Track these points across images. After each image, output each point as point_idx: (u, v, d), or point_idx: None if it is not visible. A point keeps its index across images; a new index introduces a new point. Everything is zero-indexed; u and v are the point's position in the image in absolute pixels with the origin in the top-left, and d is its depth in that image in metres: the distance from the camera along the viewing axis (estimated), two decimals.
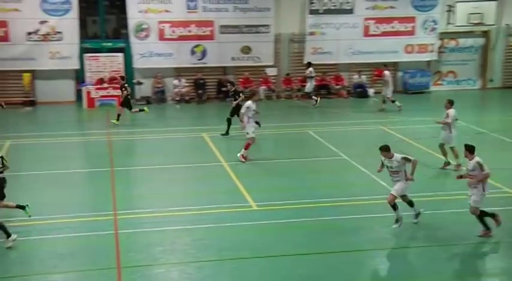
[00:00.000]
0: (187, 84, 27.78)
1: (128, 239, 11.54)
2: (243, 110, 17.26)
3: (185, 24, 27.59)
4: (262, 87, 28.48)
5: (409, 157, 11.89)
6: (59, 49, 26.57)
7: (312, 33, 28.76)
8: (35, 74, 26.87)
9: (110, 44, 28.09)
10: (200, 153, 18.31)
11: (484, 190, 11.29)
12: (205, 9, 27.58)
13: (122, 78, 23.55)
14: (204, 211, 13.25)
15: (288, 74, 29.02)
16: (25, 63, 26.35)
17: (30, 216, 12.08)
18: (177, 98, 27.64)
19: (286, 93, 29.11)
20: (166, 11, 27.29)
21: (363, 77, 29.56)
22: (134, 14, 27.06)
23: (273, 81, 29.02)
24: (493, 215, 11.60)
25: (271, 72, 28.88)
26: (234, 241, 11.55)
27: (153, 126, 22.70)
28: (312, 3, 28.45)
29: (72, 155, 18.83)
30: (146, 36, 27.33)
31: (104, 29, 28.35)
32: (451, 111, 15.78)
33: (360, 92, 29.17)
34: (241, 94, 20.73)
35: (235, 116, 19.46)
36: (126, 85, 22.79)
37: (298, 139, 20.81)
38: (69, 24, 26.50)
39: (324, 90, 29.09)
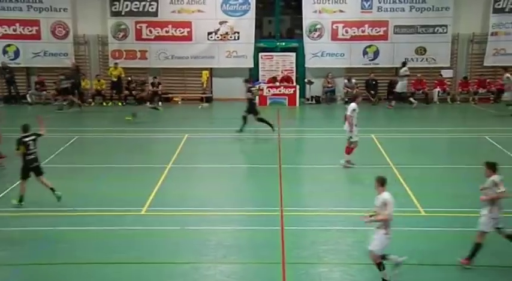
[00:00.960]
0: (357, 86, 27.50)
1: (294, 236, 11.66)
2: (349, 113, 16.29)
3: (359, 24, 27.36)
4: (436, 90, 27.38)
5: None
6: (235, 48, 27.69)
7: (494, 34, 27.06)
8: (212, 72, 28.26)
9: (283, 43, 28.70)
10: (368, 154, 18.02)
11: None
12: (380, 9, 27.13)
13: (247, 81, 22.00)
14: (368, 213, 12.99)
15: (465, 78, 27.58)
16: (204, 62, 27.84)
17: (59, 200, 13.11)
18: (346, 99, 27.51)
19: (462, 96, 27.69)
20: (341, 11, 27.27)
21: None
22: (309, 14, 27.38)
23: (448, 83, 27.75)
24: None
25: (446, 74, 27.66)
26: (398, 246, 11.18)
27: (321, 126, 22.78)
28: (497, 1, 26.76)
29: (242, 150, 19.49)
30: (319, 36, 27.52)
31: (278, 29, 29.02)
32: None
33: None
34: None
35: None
36: (252, 88, 21.60)
37: (473, 144, 19.73)
38: (246, 24, 27.50)
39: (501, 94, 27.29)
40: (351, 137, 16.48)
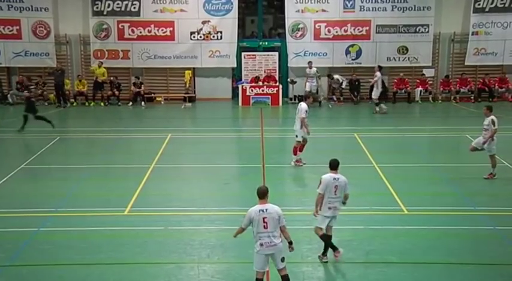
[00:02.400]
0: (344, 85, 27.62)
1: None
2: (304, 115, 16.23)
3: (341, 23, 27.47)
4: (419, 89, 27.59)
5: None
6: (218, 48, 27.65)
7: (475, 33, 27.33)
8: (195, 72, 28.20)
9: (266, 43, 28.73)
10: (351, 153, 18.10)
11: None
12: (362, 8, 27.25)
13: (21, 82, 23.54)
14: (352, 212, 13.04)
15: (447, 76, 27.82)
16: (187, 61, 27.76)
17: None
18: (335, 98, 27.70)
19: (444, 95, 27.92)
20: (323, 10, 27.34)
21: None
22: (291, 13, 27.43)
23: (430, 82, 27.97)
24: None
25: (428, 73, 27.86)
26: (382, 244, 11.28)
27: None
28: (477, 1, 27.02)
29: (225, 150, 19.47)
30: (302, 35, 27.58)
31: (261, 29, 29.03)
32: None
33: None
34: None
35: None
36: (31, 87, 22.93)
37: (454, 143, 19.91)
38: (229, 24, 27.47)
39: (485, 93, 27.61)
40: (296, 136, 16.55)
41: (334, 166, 10.52)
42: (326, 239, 10.49)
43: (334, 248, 10.55)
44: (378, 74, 24.59)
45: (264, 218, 8.86)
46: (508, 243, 11.33)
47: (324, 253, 10.55)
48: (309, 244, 11.28)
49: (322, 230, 10.46)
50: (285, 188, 15.41)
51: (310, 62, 26.63)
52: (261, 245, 8.94)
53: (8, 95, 27.30)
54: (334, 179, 10.33)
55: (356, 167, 16.25)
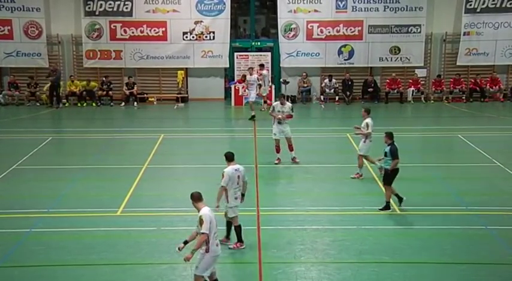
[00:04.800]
0: (337, 86, 27.68)
1: (270, 236, 11.69)
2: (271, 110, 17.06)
3: (334, 24, 27.49)
4: (411, 89, 27.67)
5: None
6: (211, 48, 27.62)
7: (467, 33, 27.45)
8: (188, 72, 28.17)
9: (258, 43, 28.73)
10: (344, 153, 18.14)
11: None
12: (354, 8, 27.28)
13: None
14: (345, 212, 13.11)
15: (439, 76, 27.92)
16: (180, 62, 27.70)
17: None
18: (323, 98, 27.71)
19: (436, 95, 28.01)
20: (316, 10, 27.36)
21: None
22: (284, 13, 27.43)
23: (422, 82, 28.06)
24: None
25: (421, 73, 27.95)
26: (375, 244, 11.31)
27: (297, 126, 22.81)
28: (469, 1, 27.12)
29: (218, 150, 19.37)
30: (294, 35, 27.60)
31: (253, 29, 29.04)
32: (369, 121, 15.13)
33: None
34: None
35: None
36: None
37: (446, 143, 19.99)
38: (221, 24, 27.44)
39: (476, 93, 27.75)
40: (275, 134, 16.90)
41: (231, 158, 11.22)
42: (240, 230, 11.10)
43: (228, 235, 11.25)
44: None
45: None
46: (499, 242, 11.40)
47: (240, 240, 11.12)
48: (302, 244, 11.30)
49: (237, 218, 11.05)
50: (277, 188, 15.42)
51: (262, 65, 26.12)
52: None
53: (0, 96, 27.18)
54: (236, 170, 11.00)
55: (348, 167, 16.28)
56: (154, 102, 27.71)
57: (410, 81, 27.82)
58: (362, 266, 10.41)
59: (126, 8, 27.14)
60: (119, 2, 27.06)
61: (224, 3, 27.23)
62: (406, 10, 27.25)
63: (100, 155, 17.99)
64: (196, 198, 8.98)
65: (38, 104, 26.66)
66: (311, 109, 26.93)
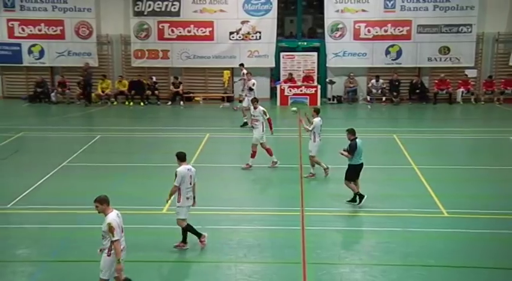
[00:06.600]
0: (384, 86, 27.37)
1: (315, 236, 11.62)
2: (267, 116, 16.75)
3: (381, 23, 27.20)
4: (460, 90, 27.11)
5: None
6: (257, 48, 27.69)
7: None
8: (233, 72, 28.29)
9: (305, 43, 28.62)
10: (390, 155, 17.90)
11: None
12: (403, 8, 26.94)
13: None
14: (391, 214, 12.93)
15: (490, 77, 27.26)
16: (226, 61, 27.88)
17: None
18: (369, 98, 27.42)
19: (487, 96, 27.36)
20: (363, 10, 27.13)
21: None
22: (331, 13, 27.29)
23: (473, 83, 27.45)
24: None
25: (471, 74, 27.34)
26: (421, 247, 11.11)
27: (342, 126, 22.58)
28: None
29: (263, 150, 19.38)
30: (341, 35, 27.40)
31: (300, 29, 28.94)
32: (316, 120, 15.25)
33: None
34: None
35: None
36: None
37: (497, 145, 19.49)
38: (268, 24, 27.48)
39: None
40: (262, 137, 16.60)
41: (183, 157, 11.19)
42: (190, 228, 10.90)
43: (199, 235, 11.03)
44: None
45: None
46: None
47: (184, 241, 10.99)
48: (346, 246, 11.21)
49: (185, 221, 10.87)
50: (322, 188, 15.30)
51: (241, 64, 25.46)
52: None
53: (52, 94, 27.85)
54: (188, 169, 10.95)
55: (395, 168, 16.08)
56: (200, 102, 27.93)
57: (460, 81, 27.27)
58: (407, 269, 10.24)
59: (174, 8, 27.45)
60: (167, 2, 27.41)
61: (271, 3, 27.25)
62: (457, 9, 26.72)
63: (146, 154, 18.21)
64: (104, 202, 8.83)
65: (88, 102, 27.19)
66: (357, 110, 26.70)
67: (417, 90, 27.21)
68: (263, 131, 16.61)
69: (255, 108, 16.95)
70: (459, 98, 27.23)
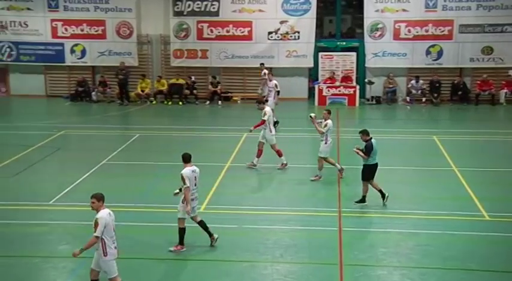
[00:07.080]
0: (424, 87, 26.99)
1: (352, 238, 11.53)
2: (266, 118, 16.62)
3: (422, 23, 26.79)
4: (504, 91, 26.54)
5: None
6: (295, 48, 27.59)
7: None
8: (272, 71, 28.22)
9: (344, 43, 28.42)
10: (430, 157, 17.63)
11: None
12: (445, 7, 26.48)
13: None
14: (430, 216, 12.73)
15: None
16: (264, 61, 27.75)
17: None
18: (409, 99, 27.05)
19: None
20: (404, 10, 26.77)
21: None
22: (370, 13, 27.02)
23: None
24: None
25: None
26: (461, 251, 10.91)
27: (381, 127, 22.42)
28: None
29: (300, 150, 19.33)
30: (381, 35, 27.11)
31: (339, 29, 28.75)
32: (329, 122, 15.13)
33: None
34: None
35: None
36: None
37: None
38: (307, 23, 27.36)
39: None
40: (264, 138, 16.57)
41: (188, 159, 11.13)
42: (184, 233, 10.90)
43: (210, 234, 11.05)
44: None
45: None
46: None
47: (181, 243, 10.92)
48: (384, 248, 11.08)
49: (184, 222, 10.86)
50: (359, 189, 15.14)
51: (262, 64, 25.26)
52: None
53: (92, 93, 28.30)
54: (193, 171, 10.92)
55: (435, 170, 15.84)
56: (239, 101, 28.00)
57: (504, 82, 26.70)
58: (447, 272, 10.07)
59: (213, 8, 27.59)
60: (206, 2, 27.56)
61: (310, 3, 27.14)
62: (501, 8, 26.13)
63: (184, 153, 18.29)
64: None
65: (127, 101, 27.53)
66: (396, 110, 26.37)
67: (459, 91, 26.73)
68: (271, 131, 16.68)
69: (261, 108, 16.92)
70: (502, 99, 26.64)
